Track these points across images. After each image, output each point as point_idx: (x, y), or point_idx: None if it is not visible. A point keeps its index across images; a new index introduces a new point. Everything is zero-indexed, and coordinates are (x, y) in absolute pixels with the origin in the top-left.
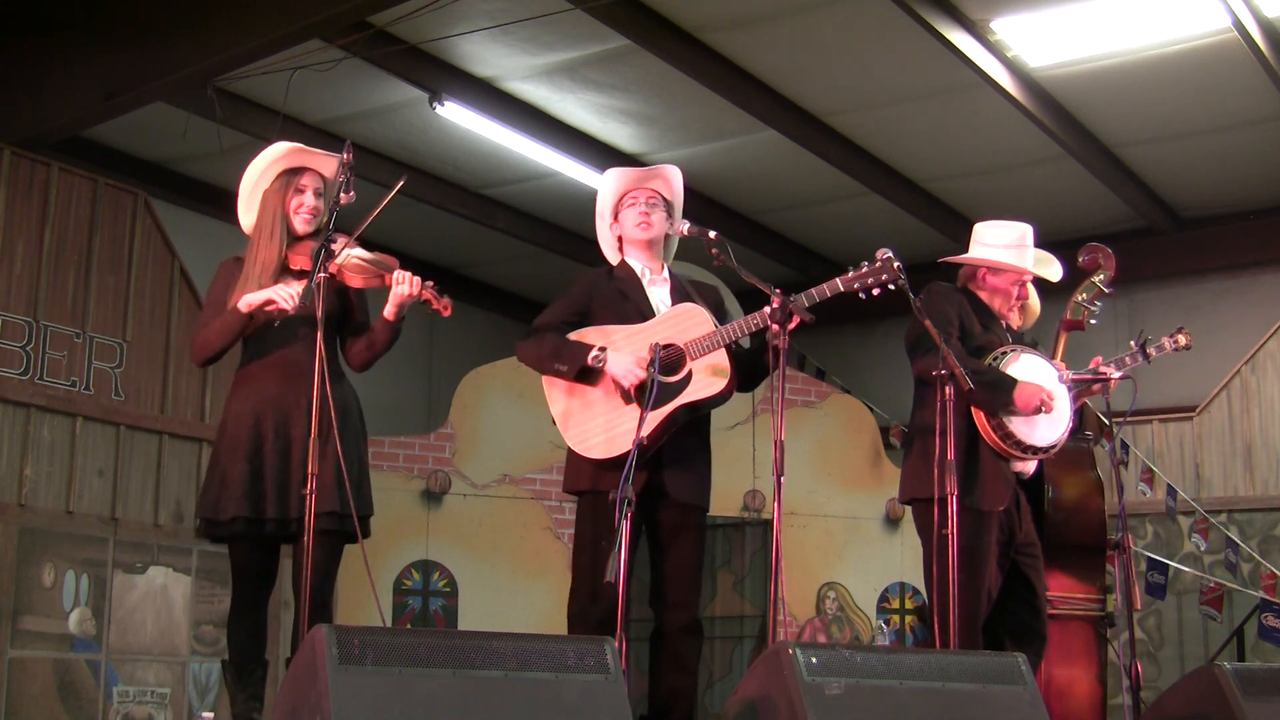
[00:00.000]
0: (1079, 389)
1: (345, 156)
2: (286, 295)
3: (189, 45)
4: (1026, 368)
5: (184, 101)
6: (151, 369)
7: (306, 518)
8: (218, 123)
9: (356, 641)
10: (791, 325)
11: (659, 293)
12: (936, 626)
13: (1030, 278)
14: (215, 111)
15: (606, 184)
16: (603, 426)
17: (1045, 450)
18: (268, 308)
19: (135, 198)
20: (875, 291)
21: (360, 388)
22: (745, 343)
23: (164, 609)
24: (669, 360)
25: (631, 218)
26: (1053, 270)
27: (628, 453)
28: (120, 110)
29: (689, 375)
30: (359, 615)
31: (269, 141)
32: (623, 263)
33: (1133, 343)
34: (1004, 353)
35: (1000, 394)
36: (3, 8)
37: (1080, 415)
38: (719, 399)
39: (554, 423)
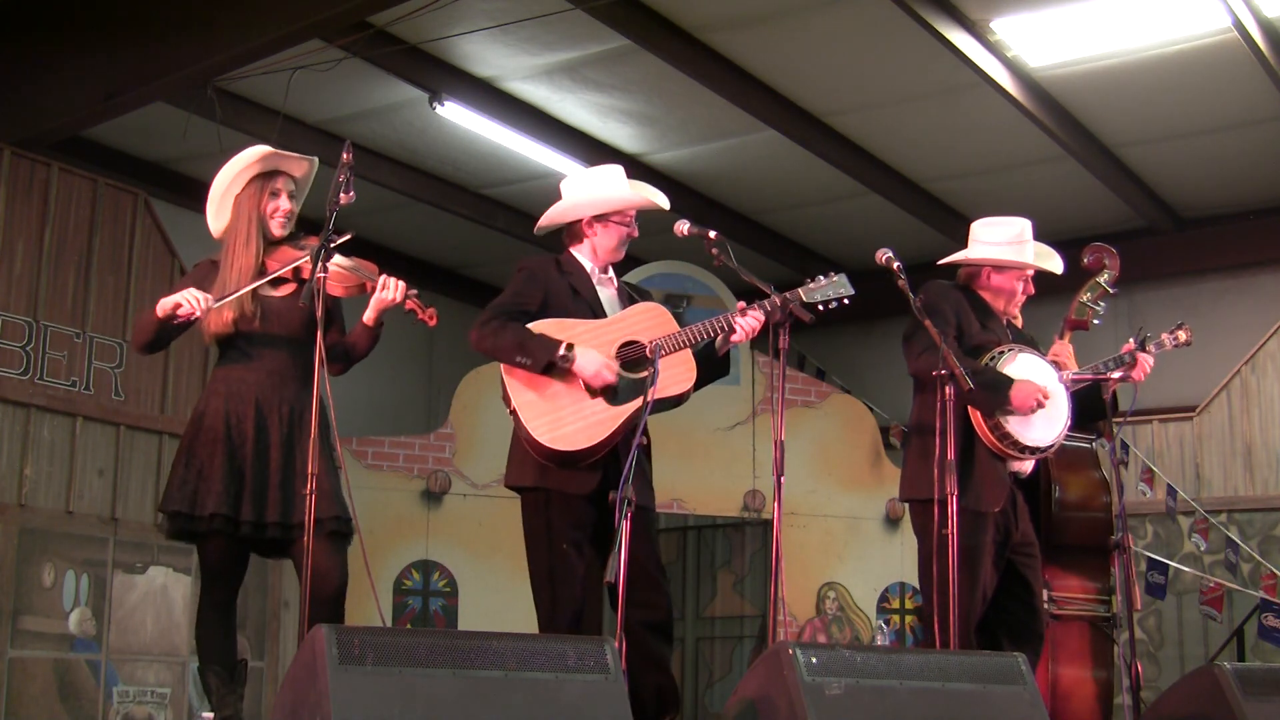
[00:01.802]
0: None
1: (345, 156)
2: (193, 299)
3: (189, 45)
4: (1024, 367)
5: (184, 101)
6: (151, 369)
7: (306, 519)
8: (218, 123)
9: (356, 641)
10: (751, 325)
11: (606, 292)
12: (937, 626)
13: (1033, 273)
14: (215, 111)
15: (625, 192)
16: (571, 417)
17: (1042, 450)
18: (178, 311)
19: (135, 198)
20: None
21: (360, 388)
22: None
23: (164, 609)
24: (637, 356)
25: (619, 235)
26: (1054, 263)
27: (595, 445)
28: (120, 110)
29: (656, 372)
30: (359, 615)
31: (268, 142)
32: (570, 256)
33: (1132, 340)
34: (1001, 352)
35: (997, 394)
36: (3, 7)
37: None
38: (684, 398)
39: (511, 413)
